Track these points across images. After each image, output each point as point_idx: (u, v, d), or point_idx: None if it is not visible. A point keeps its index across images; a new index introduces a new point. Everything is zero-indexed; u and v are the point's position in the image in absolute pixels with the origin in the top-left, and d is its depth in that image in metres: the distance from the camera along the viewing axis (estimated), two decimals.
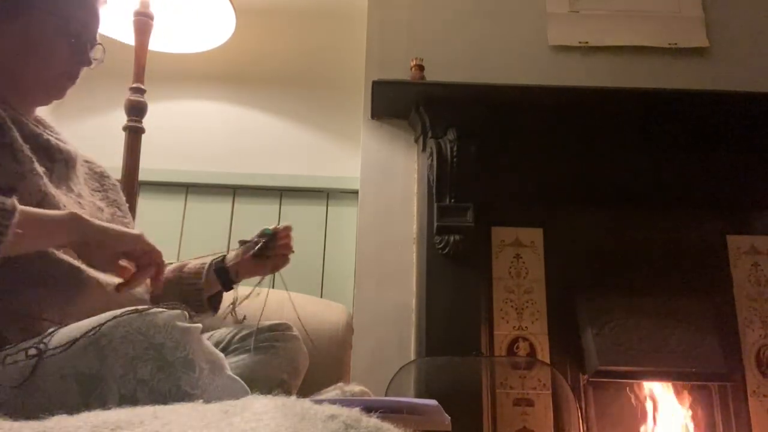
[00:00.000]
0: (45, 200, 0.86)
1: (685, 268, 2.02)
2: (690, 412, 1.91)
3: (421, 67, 2.08)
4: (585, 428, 1.86)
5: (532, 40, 2.26)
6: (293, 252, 1.14)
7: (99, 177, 1.11)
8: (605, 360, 1.85)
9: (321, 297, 2.10)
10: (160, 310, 0.67)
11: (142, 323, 0.64)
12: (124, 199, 1.14)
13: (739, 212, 2.09)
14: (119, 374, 0.62)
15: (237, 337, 1.07)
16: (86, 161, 1.11)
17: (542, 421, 1.86)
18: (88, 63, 1.00)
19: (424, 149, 2.08)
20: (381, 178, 2.13)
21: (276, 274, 1.14)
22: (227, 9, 1.88)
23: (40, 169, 0.88)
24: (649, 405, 1.92)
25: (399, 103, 2.10)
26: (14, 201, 0.74)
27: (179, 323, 0.65)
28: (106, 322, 0.65)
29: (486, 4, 2.31)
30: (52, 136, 0.97)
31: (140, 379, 0.61)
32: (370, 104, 2.14)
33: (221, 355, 0.72)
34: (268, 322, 1.08)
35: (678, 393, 1.93)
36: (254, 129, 2.32)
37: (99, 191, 1.08)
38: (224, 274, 1.12)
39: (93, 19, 1.01)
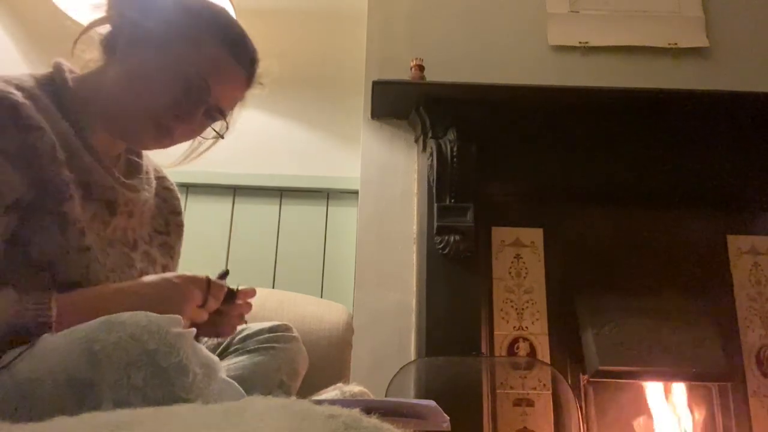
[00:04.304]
0: (85, 278, 0.82)
1: (685, 268, 2.02)
2: (690, 412, 1.91)
3: (421, 67, 2.08)
4: (585, 428, 1.86)
5: (532, 40, 2.26)
6: (245, 323, 1.01)
7: (168, 213, 1.07)
8: (605, 360, 1.85)
9: (321, 297, 2.10)
10: (154, 314, 0.66)
11: (136, 329, 0.63)
12: (181, 242, 1.08)
13: (739, 212, 2.09)
14: (113, 380, 0.61)
15: (237, 338, 1.07)
16: (166, 188, 1.08)
17: (542, 421, 1.86)
18: (189, 123, 0.89)
19: (424, 149, 2.08)
20: (381, 178, 2.13)
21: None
22: (227, 9, 1.88)
23: (89, 241, 0.83)
24: (649, 405, 1.92)
25: (399, 103, 2.10)
26: (52, 312, 0.73)
27: (173, 328, 0.65)
28: (99, 327, 0.64)
29: (486, 4, 2.31)
30: (122, 187, 0.91)
31: (134, 386, 0.61)
32: (370, 104, 2.14)
33: (216, 359, 0.71)
34: (268, 324, 1.08)
35: (678, 393, 1.93)
36: (254, 129, 2.32)
37: (162, 233, 1.03)
38: None
39: (225, 92, 0.94)
